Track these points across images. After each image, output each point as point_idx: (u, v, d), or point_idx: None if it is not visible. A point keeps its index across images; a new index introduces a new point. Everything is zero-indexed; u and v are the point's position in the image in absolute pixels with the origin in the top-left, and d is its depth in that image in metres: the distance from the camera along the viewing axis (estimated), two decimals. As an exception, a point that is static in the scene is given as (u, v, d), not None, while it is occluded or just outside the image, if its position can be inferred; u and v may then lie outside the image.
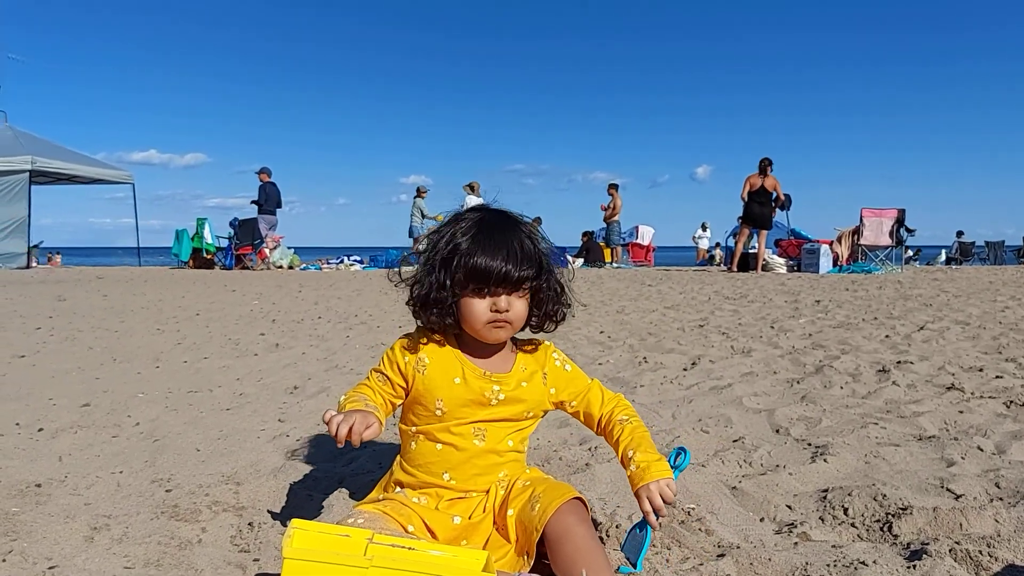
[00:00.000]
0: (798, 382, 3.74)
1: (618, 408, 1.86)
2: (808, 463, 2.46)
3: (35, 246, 21.13)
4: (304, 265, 17.99)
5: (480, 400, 1.74)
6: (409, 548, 1.48)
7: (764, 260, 14.99)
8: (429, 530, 1.68)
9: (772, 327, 5.98)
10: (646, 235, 24.72)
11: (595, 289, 10.27)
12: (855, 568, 1.66)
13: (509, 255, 1.66)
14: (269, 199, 17.90)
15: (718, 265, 22.01)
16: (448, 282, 1.67)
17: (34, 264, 19.68)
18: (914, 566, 1.66)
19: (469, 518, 1.71)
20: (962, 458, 2.49)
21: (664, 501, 1.66)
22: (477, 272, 1.65)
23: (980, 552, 1.71)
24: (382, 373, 1.79)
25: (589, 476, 2.30)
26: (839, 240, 15.22)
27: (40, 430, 2.93)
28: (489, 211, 1.78)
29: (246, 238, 17.65)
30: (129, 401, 3.40)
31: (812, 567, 1.69)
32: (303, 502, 2.15)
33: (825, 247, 14.85)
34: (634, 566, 1.69)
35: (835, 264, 14.84)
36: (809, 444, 2.70)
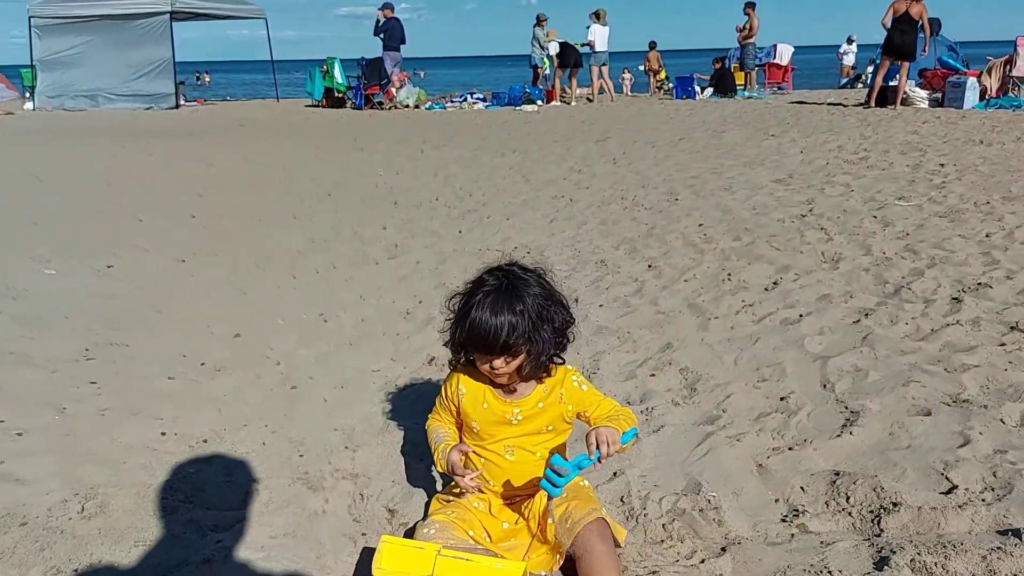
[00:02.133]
0: (867, 315, 3.96)
1: (616, 410, 2.20)
2: (835, 436, 2.81)
3: (181, 83, 22.42)
4: (429, 104, 18.37)
5: (503, 420, 2.22)
6: (467, 560, 2.02)
7: (904, 94, 14.21)
8: (486, 531, 2.20)
9: (875, 215, 6.03)
10: (785, 54, 23.48)
11: (712, 147, 10.23)
12: (823, 578, 2.08)
13: (500, 329, 2.00)
14: (392, 35, 18.16)
15: (862, 86, 20.73)
16: (459, 343, 2.14)
17: (182, 102, 20.96)
18: (873, 579, 2.06)
19: (516, 523, 2.24)
20: (980, 434, 2.76)
21: (608, 441, 1.99)
22: (473, 341, 2.07)
23: (935, 564, 2.08)
24: (442, 402, 2.34)
25: (635, 451, 2.75)
26: (989, 72, 14.13)
27: (202, 364, 3.61)
28: (505, 278, 2.08)
29: (373, 78, 18.13)
30: (270, 330, 4.04)
31: (791, 571, 2.12)
32: (404, 471, 2.71)
33: (972, 80, 13.87)
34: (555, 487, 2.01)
35: (982, 98, 13.89)
36: (846, 407, 3.02)
